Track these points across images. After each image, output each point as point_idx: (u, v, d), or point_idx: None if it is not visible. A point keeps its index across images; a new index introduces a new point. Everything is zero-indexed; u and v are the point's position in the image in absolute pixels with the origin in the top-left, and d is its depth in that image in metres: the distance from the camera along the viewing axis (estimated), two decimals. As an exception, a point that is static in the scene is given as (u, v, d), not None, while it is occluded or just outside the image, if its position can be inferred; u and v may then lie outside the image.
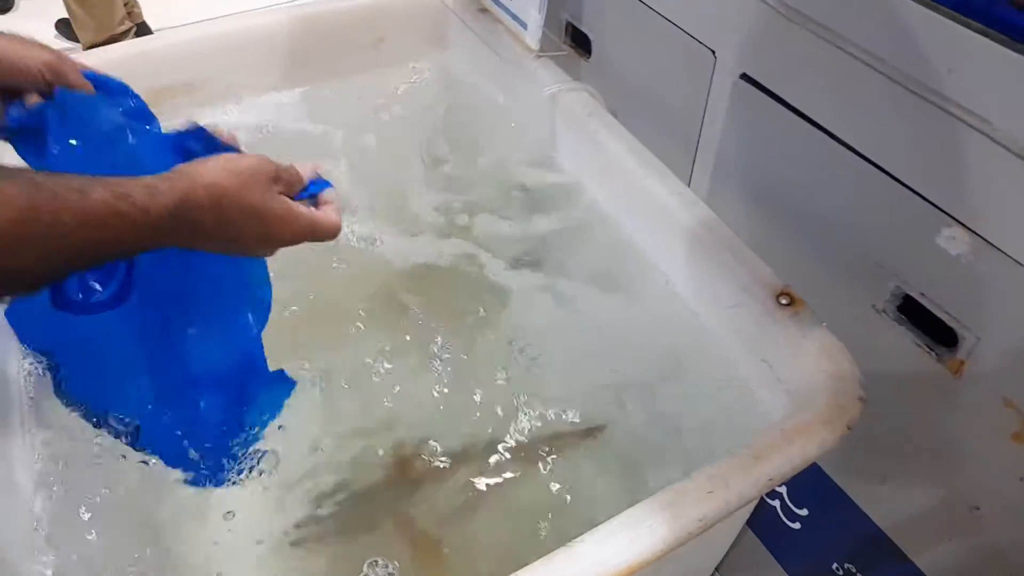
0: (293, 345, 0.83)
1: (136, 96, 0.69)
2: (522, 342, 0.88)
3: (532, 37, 1.02)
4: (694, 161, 0.91)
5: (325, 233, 0.61)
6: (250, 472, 0.74)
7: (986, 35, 0.56)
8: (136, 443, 0.70)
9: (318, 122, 1.07)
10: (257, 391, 0.72)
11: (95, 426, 0.70)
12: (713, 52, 0.82)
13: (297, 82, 1.08)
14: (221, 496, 0.74)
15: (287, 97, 1.08)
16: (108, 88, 0.68)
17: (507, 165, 1.01)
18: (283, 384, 0.73)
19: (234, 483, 0.73)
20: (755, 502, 0.68)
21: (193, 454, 0.70)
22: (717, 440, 0.71)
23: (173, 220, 0.51)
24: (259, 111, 1.06)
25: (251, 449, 0.74)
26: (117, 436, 0.70)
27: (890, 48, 0.63)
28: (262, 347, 0.68)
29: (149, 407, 0.68)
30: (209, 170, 0.54)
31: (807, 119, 0.73)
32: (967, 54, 0.58)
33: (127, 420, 0.70)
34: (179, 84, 1.01)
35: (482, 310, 0.92)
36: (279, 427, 0.73)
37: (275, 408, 0.74)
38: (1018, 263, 0.59)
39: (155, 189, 0.50)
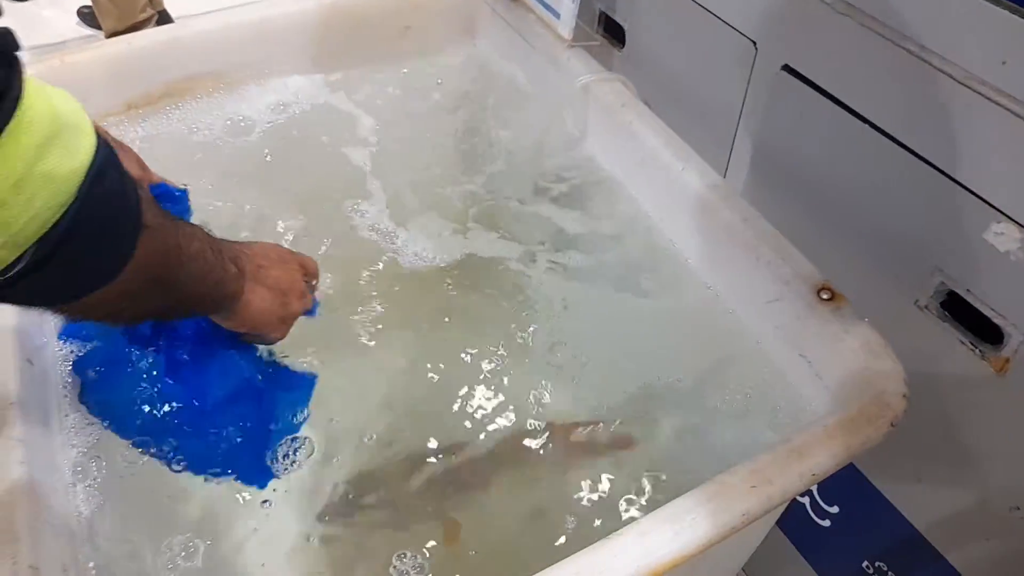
0: (323, 336, 0.83)
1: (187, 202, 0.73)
2: (554, 340, 0.88)
3: (565, 27, 1.01)
4: (731, 153, 0.90)
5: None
6: (286, 461, 0.74)
7: (1046, 26, 0.55)
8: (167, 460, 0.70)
9: (346, 110, 1.07)
10: (276, 394, 0.72)
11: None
12: (754, 43, 0.81)
13: (325, 70, 1.08)
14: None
15: (315, 84, 1.08)
16: (172, 199, 0.71)
17: (538, 156, 1.01)
18: (303, 381, 0.73)
19: (274, 475, 0.73)
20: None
21: (223, 468, 0.70)
22: (757, 437, 0.71)
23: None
24: (286, 97, 1.05)
25: (288, 438, 0.74)
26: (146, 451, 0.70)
27: (940, 39, 0.62)
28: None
29: (172, 422, 0.69)
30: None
31: (851, 111, 0.72)
32: (1022, 45, 0.57)
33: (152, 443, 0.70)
34: (207, 72, 1.01)
35: (511, 306, 0.92)
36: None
37: (302, 404, 0.74)
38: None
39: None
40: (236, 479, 0.70)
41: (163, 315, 0.59)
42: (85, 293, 0.45)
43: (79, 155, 0.40)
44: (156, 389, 0.67)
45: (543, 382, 0.85)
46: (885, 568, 0.84)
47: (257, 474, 0.71)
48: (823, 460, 0.58)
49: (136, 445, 0.69)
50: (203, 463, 0.69)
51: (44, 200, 0.38)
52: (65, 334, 0.74)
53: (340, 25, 1.07)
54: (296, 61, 1.06)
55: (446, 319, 0.90)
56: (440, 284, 0.93)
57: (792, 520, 0.95)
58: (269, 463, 0.72)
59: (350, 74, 1.09)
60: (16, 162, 0.37)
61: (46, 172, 0.38)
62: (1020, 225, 0.61)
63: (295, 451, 0.73)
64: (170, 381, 0.69)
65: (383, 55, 1.11)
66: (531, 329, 0.89)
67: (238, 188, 0.96)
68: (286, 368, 0.73)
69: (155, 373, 0.67)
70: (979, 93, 0.60)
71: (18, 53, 0.38)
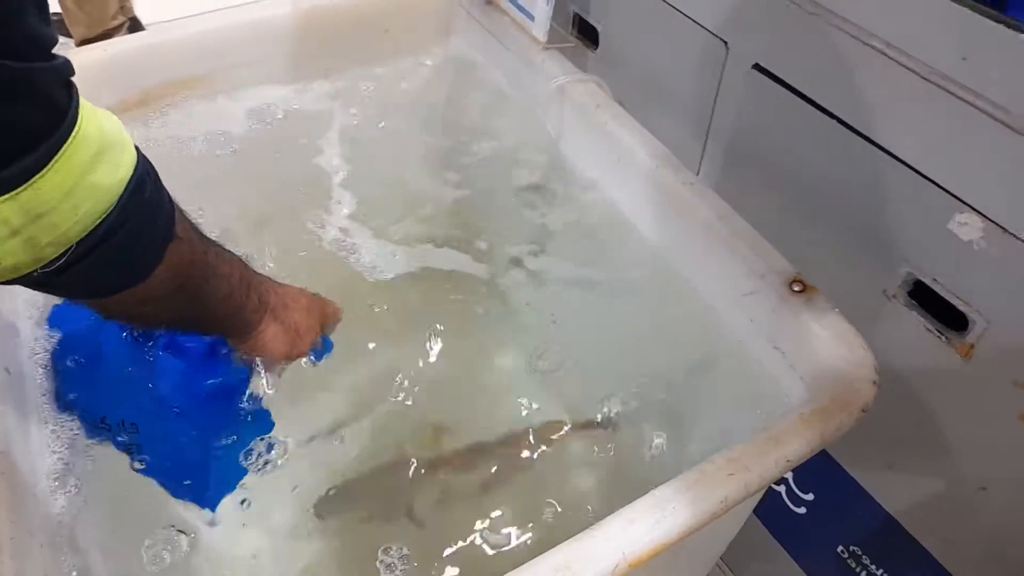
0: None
1: None
2: (536, 343, 0.89)
3: (540, 29, 1.02)
4: (704, 151, 0.92)
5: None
6: (260, 462, 0.74)
7: (1001, 22, 0.57)
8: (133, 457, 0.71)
9: (321, 117, 1.07)
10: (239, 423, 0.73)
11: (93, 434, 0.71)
12: (725, 43, 0.83)
13: (302, 76, 1.08)
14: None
15: (291, 91, 1.07)
16: None
17: (515, 157, 1.02)
18: (264, 420, 0.74)
19: (247, 473, 0.74)
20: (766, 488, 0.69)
21: (183, 479, 0.71)
22: (736, 428, 0.72)
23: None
24: (262, 104, 1.05)
25: (260, 440, 0.75)
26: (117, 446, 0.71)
27: (905, 37, 0.65)
28: (246, 381, 0.71)
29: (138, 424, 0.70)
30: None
31: (820, 108, 0.74)
32: (982, 41, 0.59)
33: (120, 435, 0.71)
34: (182, 79, 1.01)
35: (491, 311, 0.93)
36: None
37: (263, 431, 0.75)
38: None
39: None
40: (189, 497, 0.71)
41: (182, 325, 0.63)
42: (117, 291, 0.50)
43: (121, 168, 0.46)
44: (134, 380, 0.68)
45: (526, 384, 0.86)
46: (860, 552, 0.86)
47: (211, 494, 0.72)
48: (798, 447, 0.60)
49: (99, 432, 0.69)
50: (163, 469, 0.70)
51: (88, 207, 0.44)
52: (51, 322, 0.75)
53: (317, 30, 1.07)
54: (272, 67, 1.06)
55: (428, 324, 0.91)
56: (414, 284, 0.94)
57: (769, 509, 0.97)
58: (227, 484, 0.72)
59: (326, 80, 1.09)
60: (70, 175, 0.42)
61: (94, 183, 0.44)
62: (982, 215, 0.63)
63: (268, 449, 0.74)
64: (150, 384, 0.70)
65: (360, 60, 1.11)
66: (512, 333, 0.90)
67: (213, 198, 0.95)
68: (261, 408, 0.74)
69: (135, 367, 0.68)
70: (942, 88, 0.63)
71: (73, 78, 0.43)
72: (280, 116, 1.03)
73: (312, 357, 0.73)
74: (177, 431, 0.70)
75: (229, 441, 0.73)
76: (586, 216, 0.92)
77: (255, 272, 0.65)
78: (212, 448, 0.72)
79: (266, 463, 0.75)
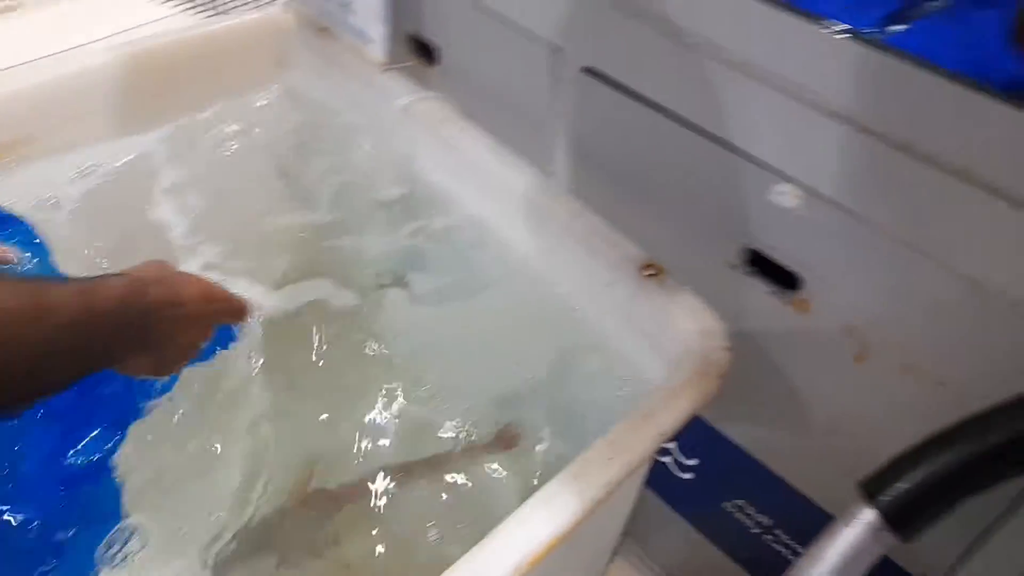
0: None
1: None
2: (408, 364, 0.89)
3: (379, 50, 1.03)
4: (551, 154, 0.96)
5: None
6: (120, 554, 0.71)
7: (797, 13, 0.64)
8: None
9: (158, 166, 1.01)
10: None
11: None
12: (556, 48, 0.87)
13: (131, 127, 1.01)
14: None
15: (122, 145, 1.00)
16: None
17: (370, 182, 1.02)
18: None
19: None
20: (650, 463, 0.74)
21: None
22: (615, 413, 0.76)
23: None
24: (92, 162, 0.98)
25: (115, 530, 0.71)
26: None
27: (716, 32, 0.71)
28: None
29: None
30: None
31: (648, 102, 0.80)
32: (785, 34, 0.66)
33: None
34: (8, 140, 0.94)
35: (359, 335, 0.92)
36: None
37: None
38: (840, 205, 0.68)
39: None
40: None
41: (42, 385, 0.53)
42: None
43: None
44: None
45: (408, 410, 0.86)
46: (741, 504, 0.94)
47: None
48: (668, 420, 0.64)
49: None
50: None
51: None
52: None
53: (142, 77, 1.02)
54: (98, 121, 0.98)
55: (301, 361, 0.89)
56: (290, 326, 0.92)
57: (660, 480, 1.03)
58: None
59: (158, 128, 1.03)
60: None
61: None
62: (797, 183, 0.70)
63: (127, 540, 0.70)
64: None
65: (192, 104, 1.06)
66: (387, 359, 0.90)
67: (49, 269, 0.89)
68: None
69: None
70: (755, 78, 0.69)
71: None
72: (112, 173, 0.97)
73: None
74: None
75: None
76: (450, 232, 0.94)
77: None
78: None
79: (127, 557, 0.70)
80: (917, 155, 0.61)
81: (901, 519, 0.46)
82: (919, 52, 0.59)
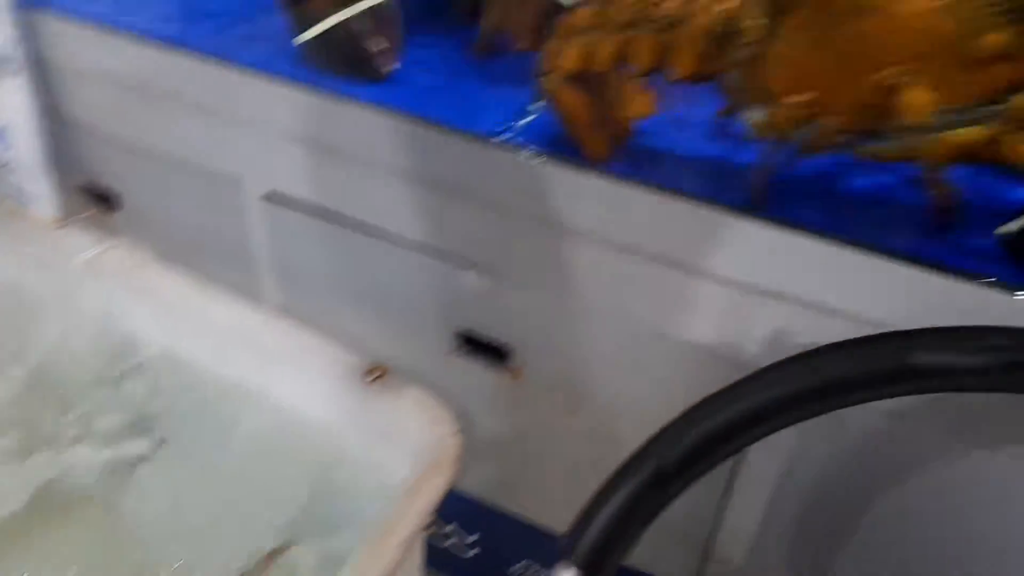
0: None
1: None
2: (161, 551, 0.82)
3: (49, 206, 0.97)
4: (258, 280, 0.95)
5: None
6: None
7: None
8: None
9: None
10: None
11: None
12: (237, 178, 0.88)
13: None
14: None
15: None
16: None
17: (71, 363, 0.93)
18: None
19: None
20: (423, 552, 0.75)
21: None
22: (368, 525, 0.76)
23: None
24: None
25: None
26: None
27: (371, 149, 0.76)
28: None
29: None
30: None
31: (323, 214, 0.83)
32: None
33: None
34: None
35: (104, 524, 0.84)
36: None
37: None
38: (518, 285, 0.76)
39: None
40: None
41: None
42: None
43: None
44: None
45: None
46: (529, 565, 0.98)
47: None
48: (416, 516, 0.66)
49: None
50: None
51: None
52: None
53: None
54: None
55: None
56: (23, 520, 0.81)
57: (445, 563, 1.04)
58: None
59: None
60: None
61: None
62: (477, 268, 0.77)
63: None
64: None
65: None
66: (136, 552, 0.82)
67: None
68: None
69: None
70: (418, 183, 0.75)
71: None
72: None
73: None
74: None
75: None
76: (164, 387, 0.89)
77: None
78: None
79: None
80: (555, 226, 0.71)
81: (595, 567, 0.51)
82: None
